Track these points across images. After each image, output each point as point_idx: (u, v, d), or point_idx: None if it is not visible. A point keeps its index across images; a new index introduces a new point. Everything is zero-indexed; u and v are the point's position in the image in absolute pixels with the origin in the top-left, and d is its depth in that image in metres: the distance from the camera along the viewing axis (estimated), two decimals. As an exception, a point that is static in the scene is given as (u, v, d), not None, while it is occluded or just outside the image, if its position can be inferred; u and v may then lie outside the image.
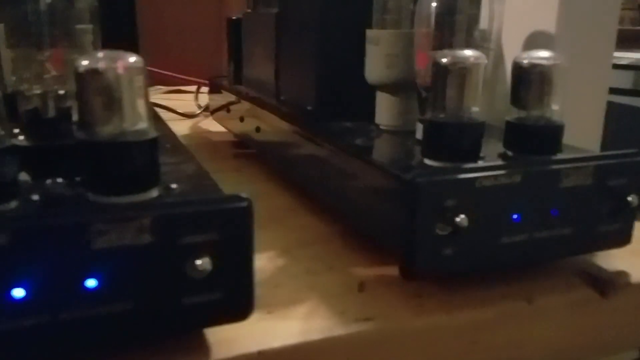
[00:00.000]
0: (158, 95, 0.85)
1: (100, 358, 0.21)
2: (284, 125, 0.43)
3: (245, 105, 0.53)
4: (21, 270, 0.19)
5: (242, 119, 0.54)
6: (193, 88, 0.82)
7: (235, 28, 0.58)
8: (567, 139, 0.34)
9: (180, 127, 0.68)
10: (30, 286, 0.19)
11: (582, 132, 0.40)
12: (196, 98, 0.78)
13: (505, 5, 0.40)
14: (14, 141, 0.22)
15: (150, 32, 0.62)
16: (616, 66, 0.53)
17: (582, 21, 0.38)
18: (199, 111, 0.74)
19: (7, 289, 0.19)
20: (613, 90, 0.49)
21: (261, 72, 0.52)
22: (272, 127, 0.46)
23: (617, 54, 0.60)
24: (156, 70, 0.77)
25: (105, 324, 0.20)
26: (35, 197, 0.22)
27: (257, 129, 0.49)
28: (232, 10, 1.02)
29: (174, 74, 0.81)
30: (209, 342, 0.23)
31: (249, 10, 0.55)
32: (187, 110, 0.75)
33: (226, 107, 0.60)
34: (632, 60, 0.54)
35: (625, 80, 0.52)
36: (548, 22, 0.38)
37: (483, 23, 0.34)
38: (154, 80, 0.82)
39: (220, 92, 0.62)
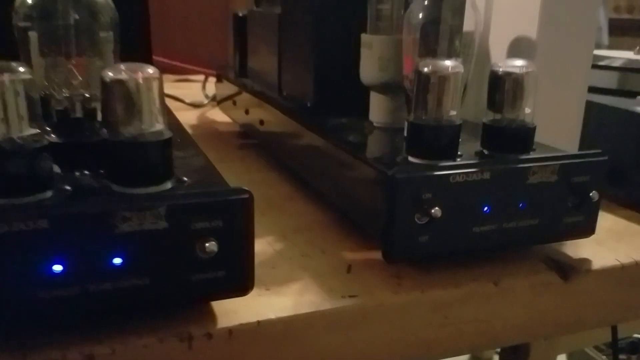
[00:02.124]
0: (166, 84, 0.88)
1: (123, 324, 0.25)
2: (285, 119, 0.47)
3: (249, 97, 0.56)
4: (59, 249, 0.23)
5: (247, 112, 0.57)
6: (200, 77, 0.86)
7: (240, 23, 0.61)
8: (547, 137, 0.37)
9: (188, 117, 0.71)
10: (67, 262, 0.23)
11: (562, 131, 0.44)
12: (203, 88, 0.81)
13: (492, 14, 0.43)
14: (47, 138, 0.25)
15: (159, 23, 0.65)
16: (602, 67, 0.56)
17: (562, 28, 0.41)
18: (206, 101, 0.78)
19: (49, 265, 0.22)
20: (599, 90, 0.52)
21: (265, 67, 0.55)
22: (274, 120, 0.50)
23: (606, 53, 0.63)
24: (165, 60, 0.81)
25: (127, 295, 0.24)
26: (67, 187, 0.25)
27: (261, 122, 0.53)
28: (237, 2, 1.05)
29: (183, 64, 0.84)
30: (216, 313, 0.27)
31: (255, 9, 0.58)
32: (194, 100, 0.78)
33: (232, 98, 0.63)
34: (619, 61, 0.57)
35: (610, 80, 0.55)
36: (530, 29, 0.41)
37: (468, 27, 0.38)
38: (162, 69, 0.85)
39: (226, 83, 0.66)
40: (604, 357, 1.16)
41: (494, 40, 0.43)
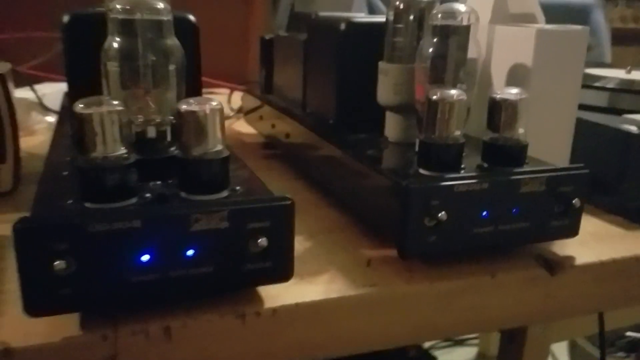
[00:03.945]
0: (193, 96, 0.95)
1: (193, 303, 0.31)
2: (309, 133, 0.53)
3: (275, 112, 0.63)
4: (147, 243, 0.29)
5: (273, 125, 0.64)
6: (224, 91, 0.92)
7: (267, 46, 0.68)
8: (541, 152, 0.43)
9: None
10: (152, 254, 0.29)
11: (554, 146, 0.50)
12: (229, 101, 0.88)
13: (494, 46, 0.49)
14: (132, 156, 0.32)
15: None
16: (594, 87, 0.62)
17: (554, 57, 0.47)
18: (232, 114, 0.84)
19: (139, 255, 0.29)
20: (591, 108, 0.58)
21: (290, 85, 0.62)
22: (299, 133, 0.56)
23: (600, 72, 0.69)
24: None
25: (196, 280, 0.30)
26: (147, 195, 0.32)
27: (287, 135, 0.59)
28: (256, 20, 1.12)
29: (210, 79, 0.90)
30: (263, 296, 0.33)
31: (280, 34, 0.65)
32: (221, 112, 0.85)
33: (257, 110, 0.69)
34: (613, 81, 0.63)
35: (602, 99, 0.61)
36: (526, 58, 0.47)
37: (471, 56, 0.44)
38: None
39: (252, 96, 0.72)
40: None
41: (495, 68, 0.50)
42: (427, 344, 1.32)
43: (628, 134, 0.49)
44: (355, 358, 0.38)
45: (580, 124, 0.51)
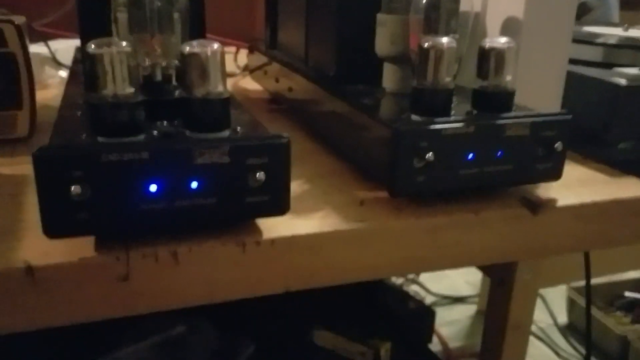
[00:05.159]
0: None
1: (197, 231, 0.34)
2: (310, 86, 0.55)
3: (279, 67, 0.65)
4: (155, 174, 0.32)
5: (277, 80, 0.66)
6: (231, 49, 0.94)
7: (271, 1, 0.70)
8: (531, 102, 0.45)
9: (223, 85, 0.80)
10: (159, 184, 0.32)
11: (544, 97, 0.52)
12: (235, 59, 0.90)
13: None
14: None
15: None
16: (589, 42, 0.63)
17: (544, 10, 0.49)
18: (238, 71, 0.86)
19: (147, 185, 0.32)
20: (588, 63, 0.60)
21: (293, 41, 0.64)
22: (301, 87, 0.58)
23: (600, 30, 0.70)
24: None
25: (200, 210, 0.33)
26: (154, 132, 0.34)
27: (290, 89, 0.62)
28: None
29: (215, 37, 0.92)
30: (261, 227, 0.36)
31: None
32: (227, 70, 0.87)
33: (263, 68, 0.72)
34: (614, 38, 0.64)
35: (597, 54, 0.62)
36: (518, 10, 0.49)
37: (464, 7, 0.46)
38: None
39: (257, 54, 0.74)
40: (602, 313, 1.24)
41: (489, 21, 0.51)
42: (428, 300, 1.36)
43: (617, 85, 0.50)
44: (364, 308, 0.41)
45: (572, 77, 0.53)
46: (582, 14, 0.90)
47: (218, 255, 0.34)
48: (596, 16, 0.91)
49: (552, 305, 1.37)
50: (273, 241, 0.35)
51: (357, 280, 0.38)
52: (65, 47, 0.77)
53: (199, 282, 0.34)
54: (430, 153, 0.38)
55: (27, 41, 0.52)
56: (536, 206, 0.42)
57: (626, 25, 0.68)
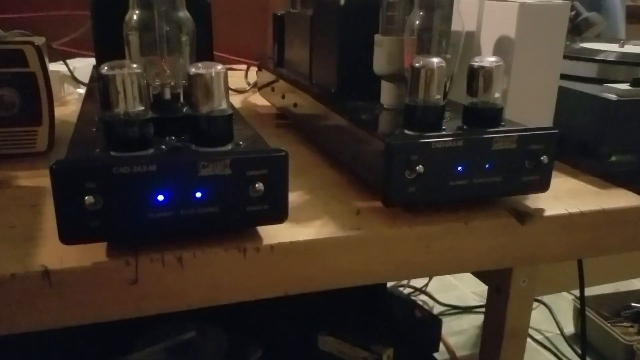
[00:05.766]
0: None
1: (201, 238, 0.37)
2: (314, 102, 0.58)
3: (285, 84, 0.68)
4: (162, 185, 0.34)
5: (283, 96, 0.69)
6: (241, 67, 0.97)
7: (279, 21, 0.73)
8: (524, 118, 0.47)
9: (233, 101, 0.82)
10: (166, 194, 0.35)
11: (537, 112, 0.54)
12: (246, 76, 0.93)
13: (483, 19, 0.53)
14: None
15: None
16: (582, 59, 0.65)
17: (536, 29, 0.51)
18: (248, 88, 0.89)
19: (155, 195, 0.34)
20: (581, 79, 0.62)
21: (298, 59, 0.67)
22: (305, 103, 0.61)
23: (596, 46, 0.72)
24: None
25: (204, 218, 0.36)
26: (163, 146, 0.37)
27: (295, 105, 0.64)
28: (275, 3, 1.17)
29: (229, 56, 0.96)
30: (261, 234, 0.38)
31: (291, 10, 0.69)
32: (238, 86, 0.90)
33: (270, 85, 0.75)
34: (612, 55, 0.66)
35: (592, 70, 0.64)
36: (510, 31, 0.51)
37: (456, 28, 0.48)
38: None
39: (265, 72, 0.77)
40: (608, 323, 1.25)
41: (483, 40, 0.54)
42: (436, 310, 1.37)
43: (608, 101, 0.53)
44: (369, 315, 0.43)
45: (565, 92, 0.55)
46: (584, 29, 0.91)
47: (221, 261, 0.37)
48: (600, 31, 0.93)
49: (559, 315, 1.37)
50: (272, 247, 0.38)
51: (353, 285, 0.41)
52: (84, 65, 0.80)
53: (202, 285, 0.37)
54: (420, 165, 0.40)
55: (47, 61, 0.56)
56: (523, 216, 0.44)
57: (622, 41, 0.70)
